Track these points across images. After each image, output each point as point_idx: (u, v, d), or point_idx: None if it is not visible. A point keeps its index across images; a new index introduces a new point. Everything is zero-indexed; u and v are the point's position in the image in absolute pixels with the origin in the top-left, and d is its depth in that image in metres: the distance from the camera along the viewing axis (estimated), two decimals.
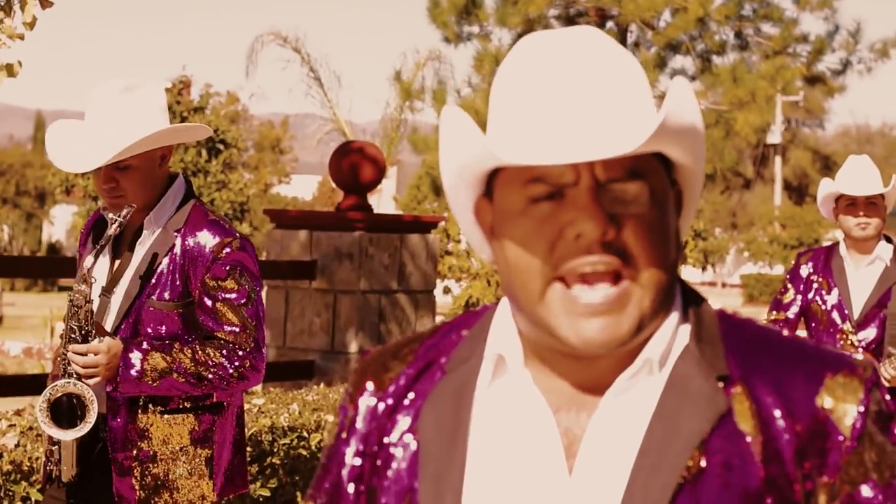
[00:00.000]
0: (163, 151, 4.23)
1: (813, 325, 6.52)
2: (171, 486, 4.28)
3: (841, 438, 1.59)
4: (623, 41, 33.55)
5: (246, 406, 7.02)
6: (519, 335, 1.66)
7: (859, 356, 1.67)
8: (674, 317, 1.64)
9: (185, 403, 4.29)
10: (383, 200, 31.64)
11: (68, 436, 4.13)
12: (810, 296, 6.49)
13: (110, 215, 4.11)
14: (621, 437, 1.59)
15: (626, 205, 1.57)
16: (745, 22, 32.54)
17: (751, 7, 30.86)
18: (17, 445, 5.66)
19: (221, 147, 44.22)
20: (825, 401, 1.60)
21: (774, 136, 51.73)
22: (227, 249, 4.22)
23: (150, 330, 4.23)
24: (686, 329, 1.65)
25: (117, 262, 4.30)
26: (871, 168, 6.29)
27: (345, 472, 1.74)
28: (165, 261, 4.22)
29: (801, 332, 6.55)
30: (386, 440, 1.71)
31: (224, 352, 4.21)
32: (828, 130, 61.17)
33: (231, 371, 4.21)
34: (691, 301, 1.68)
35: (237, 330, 4.22)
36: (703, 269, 56.85)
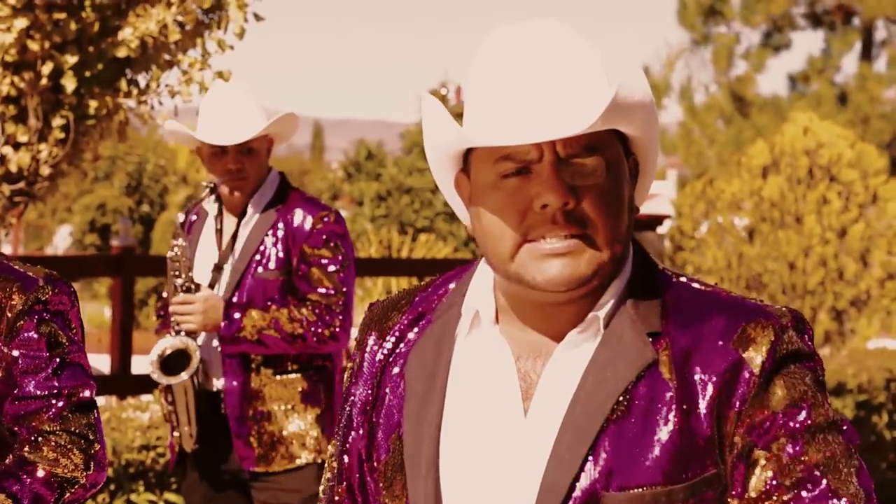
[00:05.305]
0: (269, 143, 4.77)
1: None
2: (286, 442, 4.66)
3: (748, 375, 1.81)
4: (868, 38, 32.69)
5: None
6: (494, 290, 1.93)
7: (779, 306, 1.87)
8: (623, 278, 1.89)
9: (294, 366, 4.68)
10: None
11: (174, 380, 4.57)
12: None
13: (206, 186, 4.68)
14: (568, 383, 1.85)
15: (584, 177, 1.81)
16: None
17: None
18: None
19: None
20: (740, 345, 1.82)
21: None
22: (325, 220, 4.67)
23: (255, 296, 4.65)
24: (631, 289, 1.89)
25: (225, 241, 4.75)
26: None
27: (354, 409, 2.03)
28: (269, 236, 4.66)
29: None
30: (383, 381, 1.99)
31: (317, 311, 4.59)
32: None
33: (323, 330, 4.59)
34: (641, 263, 1.92)
35: (331, 292, 4.61)
36: None
